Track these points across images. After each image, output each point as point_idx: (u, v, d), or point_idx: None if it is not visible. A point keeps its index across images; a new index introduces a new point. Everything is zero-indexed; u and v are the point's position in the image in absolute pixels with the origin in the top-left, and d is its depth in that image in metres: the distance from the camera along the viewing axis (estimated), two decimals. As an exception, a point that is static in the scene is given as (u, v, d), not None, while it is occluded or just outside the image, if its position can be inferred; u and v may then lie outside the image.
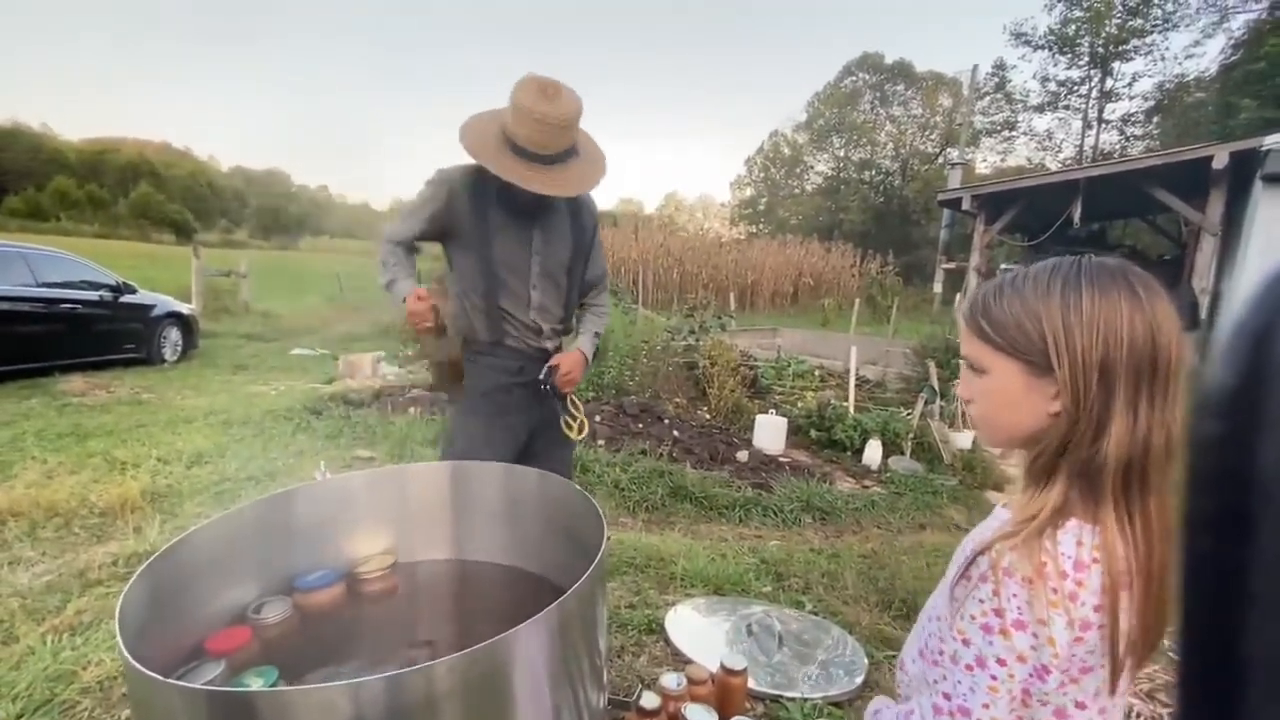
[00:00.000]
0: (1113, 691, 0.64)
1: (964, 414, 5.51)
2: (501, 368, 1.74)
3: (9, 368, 5.59)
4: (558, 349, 1.83)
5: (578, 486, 1.07)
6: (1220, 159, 6.90)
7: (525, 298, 1.72)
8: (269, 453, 3.93)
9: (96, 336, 6.56)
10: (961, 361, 0.77)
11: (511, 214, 1.64)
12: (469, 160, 1.57)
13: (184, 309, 7.90)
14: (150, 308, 7.26)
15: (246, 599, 1.01)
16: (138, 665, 0.61)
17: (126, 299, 6.94)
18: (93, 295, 6.56)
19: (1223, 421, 0.16)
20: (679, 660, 1.92)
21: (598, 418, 4.79)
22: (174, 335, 7.58)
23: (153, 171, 68.14)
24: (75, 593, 2.20)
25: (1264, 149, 6.70)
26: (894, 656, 2.06)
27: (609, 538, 0.86)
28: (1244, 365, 0.16)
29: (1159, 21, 23.13)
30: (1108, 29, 23.78)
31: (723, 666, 1.56)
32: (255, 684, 0.80)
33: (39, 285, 5.99)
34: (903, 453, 4.83)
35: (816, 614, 2.34)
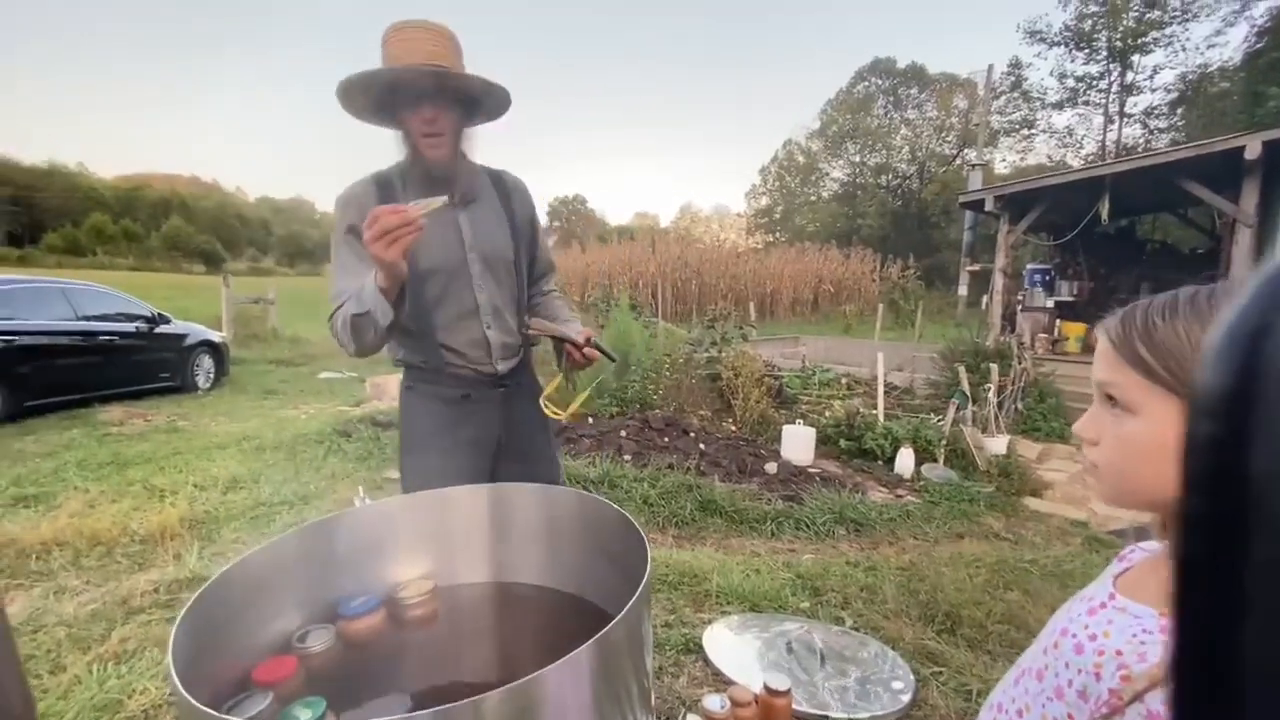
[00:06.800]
0: None
1: (997, 418, 5.38)
2: (444, 397, 1.45)
3: (52, 399, 5.77)
4: (512, 371, 1.50)
5: (617, 506, 1.06)
6: (1253, 149, 6.69)
7: (470, 303, 1.42)
8: (301, 476, 3.98)
9: (134, 367, 6.76)
10: (1094, 390, 0.61)
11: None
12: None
13: (215, 337, 8.12)
14: (183, 337, 7.47)
15: (290, 627, 1.01)
16: (193, 701, 0.61)
17: (161, 329, 7.15)
18: (129, 327, 6.77)
19: (1216, 423, 0.16)
20: (719, 681, 1.88)
21: (623, 432, 4.77)
22: (206, 363, 7.77)
23: (183, 204, 70.56)
24: (119, 621, 2.23)
25: (1298, 136, 6.49)
26: (941, 673, 1.99)
27: (652, 559, 0.85)
28: (1238, 366, 0.16)
29: (1177, 13, 22.72)
30: (1125, 22, 23.42)
31: (766, 687, 1.52)
32: (304, 716, 0.79)
33: (79, 319, 6.20)
34: (935, 460, 4.73)
35: (857, 629, 2.28)
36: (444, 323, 1.41)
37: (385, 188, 1.38)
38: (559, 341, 1.47)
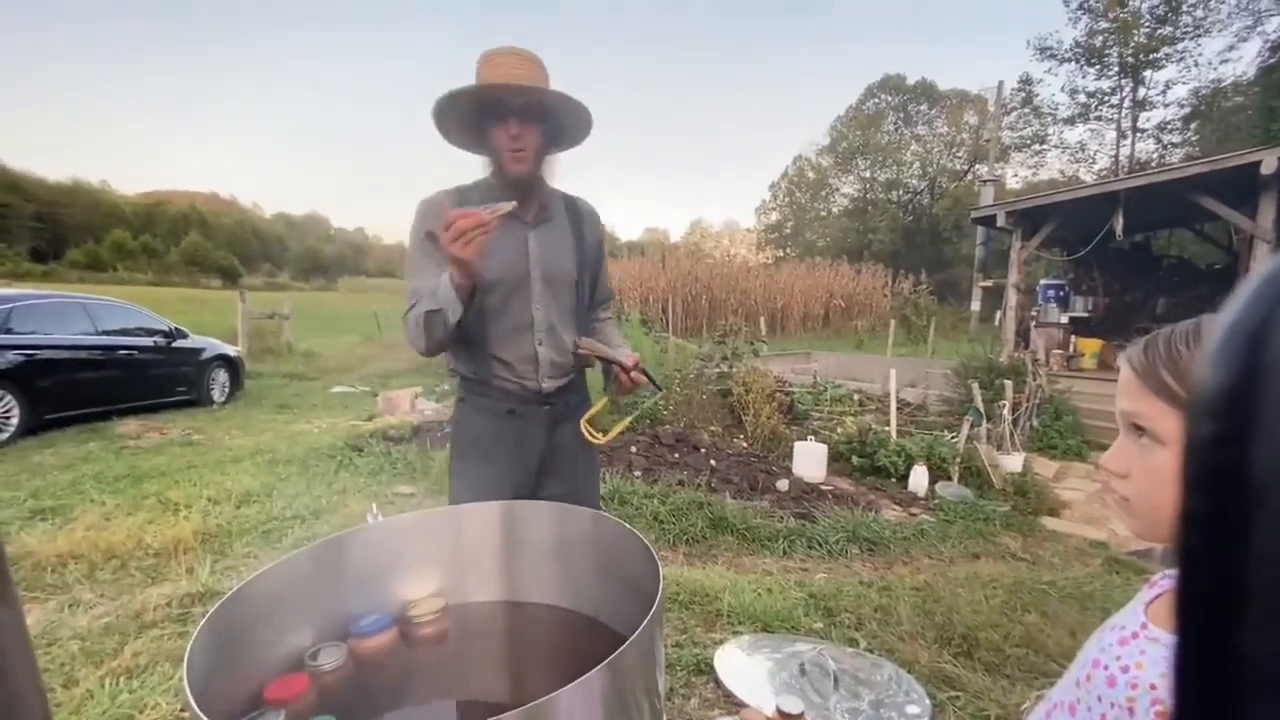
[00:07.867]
0: None
1: (1012, 435, 5.31)
2: (490, 410, 1.48)
3: (71, 413, 5.86)
4: (560, 390, 1.52)
5: (629, 525, 1.05)
6: (1269, 164, 6.63)
7: (527, 318, 1.45)
8: (313, 491, 3.99)
9: (151, 381, 6.85)
10: (1119, 421, 0.60)
11: (502, 221, 1.29)
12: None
13: (231, 351, 8.21)
14: (200, 351, 7.56)
15: (303, 645, 1.01)
16: (207, 719, 0.61)
17: (178, 344, 7.24)
18: (147, 341, 6.87)
19: (1216, 421, 0.16)
20: (731, 703, 1.85)
21: (633, 448, 4.76)
22: (222, 377, 7.86)
23: (202, 221, 71.99)
24: (132, 635, 2.24)
25: (1316, 151, 6.43)
26: (958, 697, 1.95)
27: (665, 578, 0.84)
28: (1237, 364, 0.16)
29: (1189, 28, 22.71)
30: (1136, 38, 23.40)
31: (779, 710, 1.49)
32: (316, 735, 0.79)
33: (99, 333, 6.30)
34: (950, 478, 4.67)
35: (871, 651, 2.24)
36: (499, 335, 1.44)
37: (463, 199, 1.44)
38: (608, 364, 1.49)
